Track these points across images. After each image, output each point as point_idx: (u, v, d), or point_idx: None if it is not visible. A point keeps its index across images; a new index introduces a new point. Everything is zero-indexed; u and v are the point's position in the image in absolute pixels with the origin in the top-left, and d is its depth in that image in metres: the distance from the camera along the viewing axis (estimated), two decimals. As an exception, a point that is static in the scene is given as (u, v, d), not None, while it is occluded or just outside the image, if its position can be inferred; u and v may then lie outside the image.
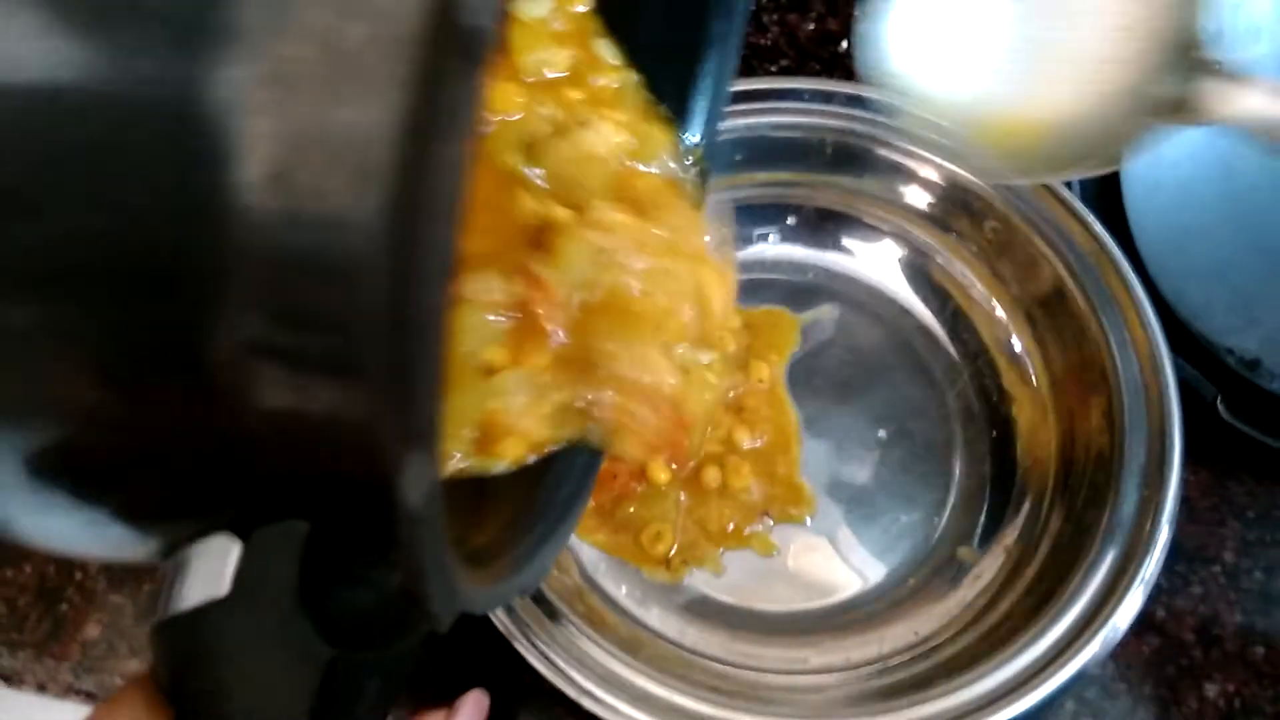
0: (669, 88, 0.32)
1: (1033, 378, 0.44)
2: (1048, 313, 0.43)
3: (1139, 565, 0.37)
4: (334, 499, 0.22)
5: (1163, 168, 0.44)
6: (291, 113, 0.18)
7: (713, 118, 0.34)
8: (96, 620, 0.43)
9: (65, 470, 0.22)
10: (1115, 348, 0.40)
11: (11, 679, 0.43)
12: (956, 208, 0.44)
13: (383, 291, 0.18)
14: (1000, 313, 0.45)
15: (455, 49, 0.18)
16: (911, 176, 0.45)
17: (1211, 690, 0.41)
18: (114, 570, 0.44)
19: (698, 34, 0.33)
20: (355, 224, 0.18)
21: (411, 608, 0.23)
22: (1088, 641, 0.36)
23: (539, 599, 0.37)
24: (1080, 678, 0.36)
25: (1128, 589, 0.37)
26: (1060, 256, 0.42)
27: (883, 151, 0.45)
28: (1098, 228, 0.41)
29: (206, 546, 0.23)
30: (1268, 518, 0.44)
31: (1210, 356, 0.43)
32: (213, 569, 0.23)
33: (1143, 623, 0.42)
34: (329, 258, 0.18)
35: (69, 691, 0.43)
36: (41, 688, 0.43)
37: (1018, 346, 0.45)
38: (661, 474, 0.39)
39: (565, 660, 0.36)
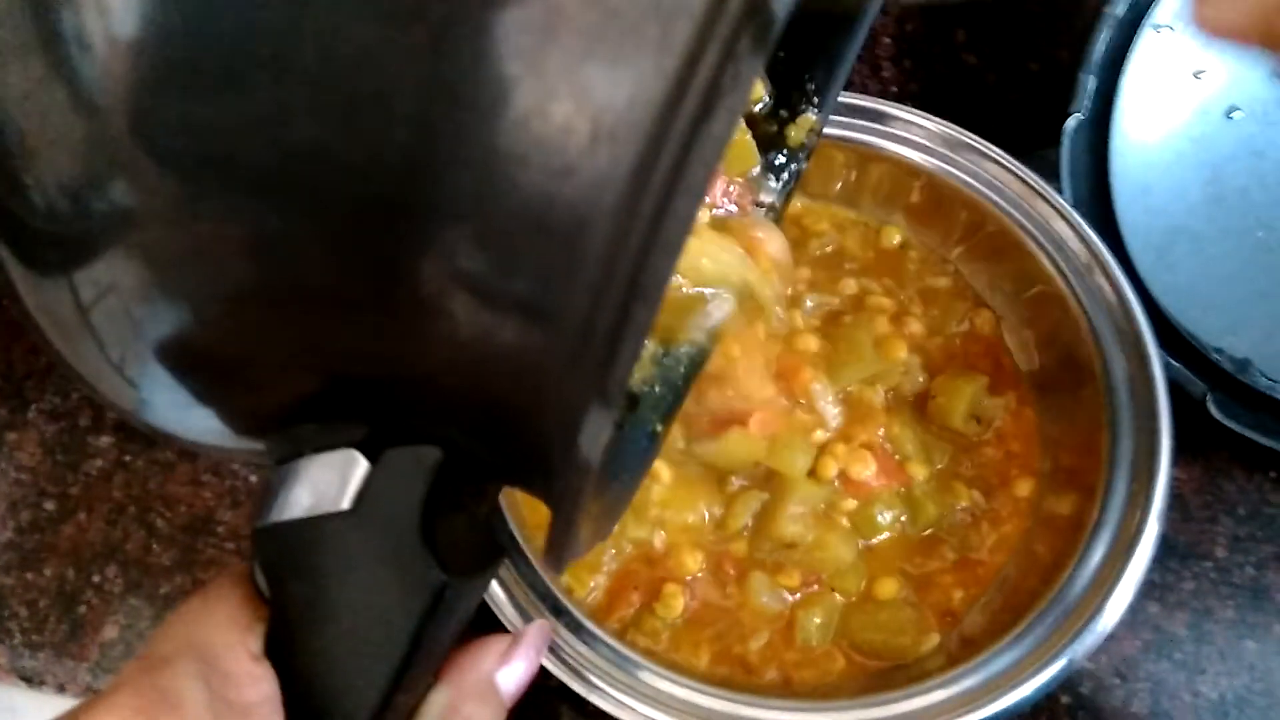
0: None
1: (1024, 376, 0.45)
2: (1039, 313, 0.44)
3: (1129, 560, 0.38)
4: (485, 431, 0.22)
5: (1152, 170, 0.45)
6: (555, 63, 0.18)
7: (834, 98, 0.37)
8: (114, 622, 0.44)
9: (233, 362, 0.23)
10: (1106, 347, 0.41)
11: (32, 679, 0.44)
12: (948, 207, 0.45)
13: (621, 254, 0.18)
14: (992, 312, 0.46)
15: (747, 29, 0.17)
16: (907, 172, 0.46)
17: (1204, 685, 0.42)
18: (131, 573, 0.45)
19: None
20: (606, 182, 0.17)
21: (550, 547, 0.22)
22: (1080, 635, 0.37)
23: (544, 595, 0.38)
24: (1073, 672, 0.37)
25: (1118, 583, 0.37)
26: (1050, 258, 0.42)
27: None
28: (1087, 229, 0.42)
29: (319, 459, 0.24)
30: (1258, 514, 0.44)
31: (1200, 356, 0.44)
32: (325, 481, 0.24)
33: (1136, 617, 0.42)
34: (570, 207, 0.18)
35: (87, 691, 0.44)
36: (61, 688, 0.44)
37: (1009, 345, 0.45)
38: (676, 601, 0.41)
39: (572, 656, 0.36)
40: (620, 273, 0.18)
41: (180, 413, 0.24)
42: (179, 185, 0.20)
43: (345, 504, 0.24)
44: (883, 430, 0.43)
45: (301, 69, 0.18)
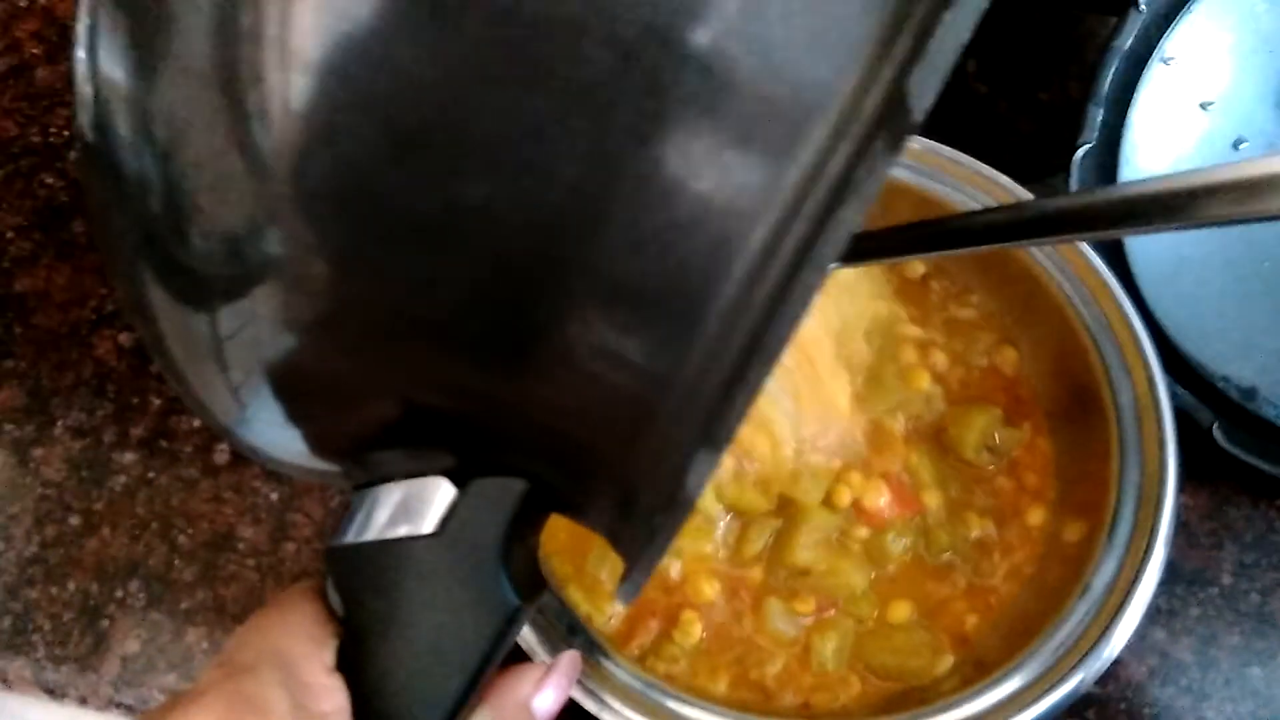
0: None
1: (1040, 407, 0.45)
2: (1048, 341, 0.44)
3: (1136, 586, 0.38)
4: (574, 468, 0.24)
5: (1160, 201, 0.46)
6: (702, 146, 0.19)
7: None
8: (136, 636, 0.45)
9: (347, 392, 0.24)
10: (1113, 376, 0.42)
11: (55, 692, 0.45)
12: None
13: (742, 320, 0.19)
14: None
15: (884, 132, 0.18)
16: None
17: (1210, 711, 0.42)
18: (153, 588, 0.46)
19: None
20: (737, 255, 0.19)
21: (631, 575, 0.23)
22: (1087, 661, 0.37)
23: (560, 614, 0.38)
24: (1079, 697, 0.37)
25: (1125, 609, 0.38)
26: (1059, 286, 0.43)
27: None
28: (1095, 258, 0.43)
29: (405, 484, 0.25)
30: (1264, 541, 0.45)
31: (1207, 385, 0.44)
32: (409, 505, 0.25)
33: (1142, 643, 0.43)
34: (700, 274, 0.19)
35: (109, 705, 0.45)
36: (83, 701, 0.45)
37: (1026, 375, 0.46)
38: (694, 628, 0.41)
39: (593, 682, 0.37)
40: (740, 335, 0.19)
41: (275, 433, 0.26)
42: (337, 238, 0.21)
43: (429, 527, 0.25)
44: (900, 460, 0.43)
45: (478, 136, 0.20)
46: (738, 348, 0.19)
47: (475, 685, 0.26)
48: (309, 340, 0.23)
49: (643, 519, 0.22)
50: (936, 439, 0.44)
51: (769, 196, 0.19)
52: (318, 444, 0.26)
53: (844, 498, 0.42)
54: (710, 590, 0.41)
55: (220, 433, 0.26)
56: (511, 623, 0.26)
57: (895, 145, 0.18)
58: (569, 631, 0.38)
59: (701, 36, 0.19)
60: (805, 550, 0.41)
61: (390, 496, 0.26)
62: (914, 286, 0.48)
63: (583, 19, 0.19)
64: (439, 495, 0.25)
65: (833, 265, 0.19)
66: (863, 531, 0.42)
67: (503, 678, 0.29)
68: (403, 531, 0.25)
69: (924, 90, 0.18)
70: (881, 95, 0.18)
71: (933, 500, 0.43)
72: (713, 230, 0.19)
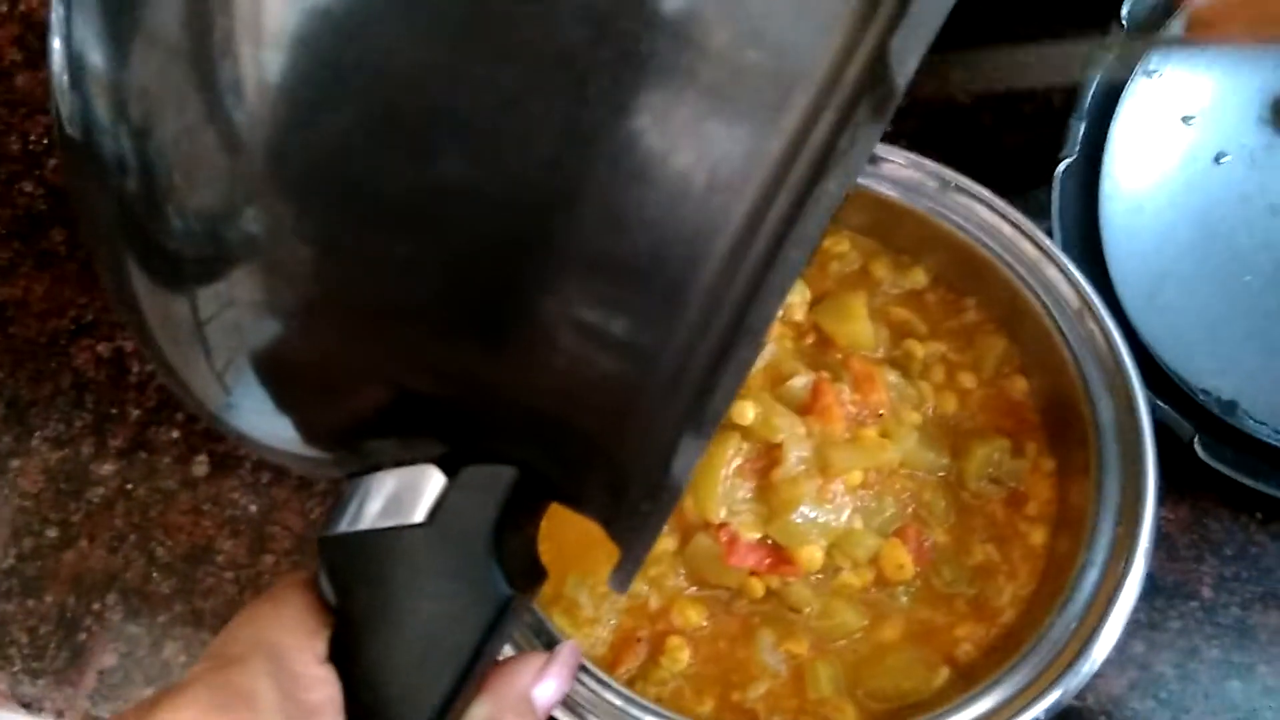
0: None
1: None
2: (1031, 355, 0.44)
3: (1116, 599, 0.38)
4: (564, 454, 0.24)
5: (1142, 214, 0.46)
6: (681, 117, 0.19)
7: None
8: (113, 649, 0.45)
9: (331, 377, 0.24)
10: (1093, 389, 0.41)
11: (31, 705, 0.45)
12: (933, 247, 0.46)
13: (726, 297, 0.19)
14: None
15: (867, 98, 0.18)
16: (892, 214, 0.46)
17: (1190, 723, 0.42)
18: (131, 601, 0.45)
19: None
20: (720, 229, 0.19)
21: (622, 565, 0.23)
22: (1067, 674, 0.37)
23: (539, 631, 0.38)
24: (1060, 710, 0.37)
25: (1105, 622, 0.38)
26: (1039, 300, 0.43)
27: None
28: (1075, 272, 0.43)
29: (395, 472, 0.25)
30: (1245, 554, 0.45)
31: (1188, 398, 0.44)
32: (399, 494, 0.25)
33: (1123, 656, 0.43)
34: (683, 249, 0.19)
35: (86, 718, 0.44)
36: (60, 714, 0.44)
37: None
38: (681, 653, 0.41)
39: (581, 704, 0.37)
40: (725, 313, 0.19)
41: (263, 419, 0.25)
42: (315, 217, 0.21)
43: (419, 516, 0.25)
44: (911, 493, 0.42)
45: (453, 111, 0.20)
46: (722, 325, 0.19)
47: (469, 677, 0.26)
48: (289, 320, 0.23)
49: (631, 507, 0.22)
50: (942, 475, 0.43)
51: (751, 169, 0.19)
52: (305, 430, 0.26)
53: (866, 577, 0.41)
54: (697, 615, 0.41)
55: (208, 420, 0.26)
56: (504, 613, 0.25)
57: (879, 114, 0.18)
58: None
59: (677, 3, 0.19)
60: (797, 591, 0.40)
61: (382, 485, 0.25)
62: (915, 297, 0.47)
63: None
64: (429, 484, 0.25)
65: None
66: (870, 587, 0.41)
67: (503, 668, 0.28)
68: (393, 521, 0.25)
69: (906, 55, 0.18)
70: (864, 61, 0.18)
71: (940, 537, 0.42)
72: (694, 204, 0.19)
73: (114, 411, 0.49)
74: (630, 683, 0.40)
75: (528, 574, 0.27)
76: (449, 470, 0.25)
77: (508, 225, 0.20)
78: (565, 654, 0.30)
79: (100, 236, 0.24)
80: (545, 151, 0.19)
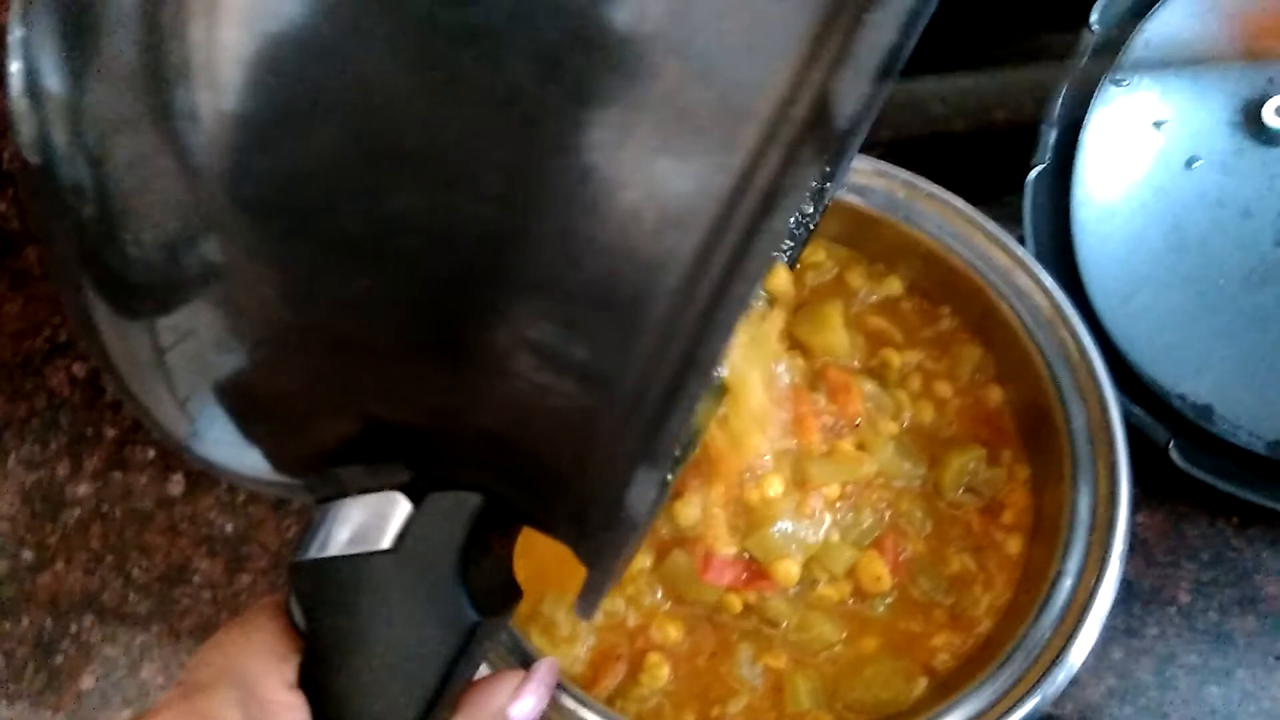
0: None
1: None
2: (1004, 363, 0.45)
3: (1091, 606, 0.38)
4: (528, 482, 0.24)
5: (1114, 220, 0.46)
6: (630, 155, 0.19)
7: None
8: (91, 672, 0.45)
9: (292, 406, 0.24)
10: (1066, 396, 0.41)
11: (9, 729, 0.45)
12: (907, 256, 0.46)
13: (678, 330, 0.19)
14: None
15: (811, 137, 0.18)
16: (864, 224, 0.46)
17: (1169, 728, 0.42)
18: (108, 622, 0.45)
19: None
20: (669, 265, 0.19)
21: (586, 593, 0.23)
22: (1044, 681, 0.37)
23: (513, 649, 0.38)
24: (1038, 718, 0.37)
25: (1080, 629, 0.38)
26: (1012, 308, 0.43)
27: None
28: (1048, 280, 0.43)
29: (362, 500, 0.25)
30: (1222, 559, 0.45)
31: (1162, 403, 0.44)
32: (367, 520, 0.25)
33: (1100, 663, 0.43)
34: (633, 285, 0.19)
35: (64, 741, 0.44)
36: (38, 737, 0.44)
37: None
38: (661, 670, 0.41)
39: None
40: (675, 347, 0.19)
41: (230, 448, 0.26)
42: (270, 247, 0.21)
43: (386, 543, 0.25)
44: (888, 503, 0.42)
45: (402, 147, 0.20)
46: (675, 357, 0.19)
47: (438, 702, 0.26)
48: (248, 350, 0.23)
49: (594, 535, 0.22)
50: (920, 485, 0.43)
51: (699, 205, 0.19)
52: (272, 458, 0.26)
53: (844, 590, 0.41)
54: (675, 632, 0.41)
55: (175, 448, 0.26)
56: (472, 638, 0.26)
57: (820, 153, 0.18)
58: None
59: (627, 42, 0.19)
60: (774, 604, 0.40)
61: (351, 511, 0.26)
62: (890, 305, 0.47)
63: (502, 27, 0.19)
64: (396, 511, 0.25)
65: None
66: (848, 599, 0.41)
67: (479, 686, 0.28)
68: (361, 548, 0.25)
69: (848, 93, 0.18)
70: (809, 101, 0.18)
71: (917, 547, 0.42)
72: (644, 240, 0.19)
73: (89, 432, 0.48)
74: (609, 701, 0.40)
75: (501, 595, 0.27)
76: (415, 497, 0.25)
77: (461, 257, 0.20)
78: (542, 671, 0.30)
79: (61, 262, 0.24)
80: (495, 188, 0.19)
